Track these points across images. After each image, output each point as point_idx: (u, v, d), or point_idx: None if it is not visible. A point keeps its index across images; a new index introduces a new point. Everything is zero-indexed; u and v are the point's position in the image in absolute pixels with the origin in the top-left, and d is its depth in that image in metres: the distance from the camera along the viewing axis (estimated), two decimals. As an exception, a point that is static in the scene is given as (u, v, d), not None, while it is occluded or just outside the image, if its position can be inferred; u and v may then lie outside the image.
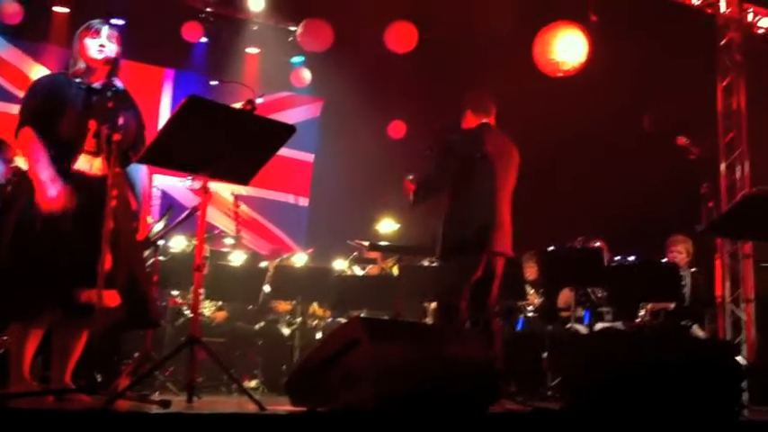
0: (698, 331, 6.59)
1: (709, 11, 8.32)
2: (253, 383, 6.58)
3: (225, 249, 7.37)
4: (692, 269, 6.75)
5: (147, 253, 5.50)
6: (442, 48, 8.82)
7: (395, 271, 6.93)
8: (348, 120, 9.13)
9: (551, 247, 6.69)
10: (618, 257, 6.86)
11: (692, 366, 3.98)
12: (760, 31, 8.41)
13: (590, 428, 3.46)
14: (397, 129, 9.46)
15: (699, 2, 8.32)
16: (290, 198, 9.90)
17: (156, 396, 4.59)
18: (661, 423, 3.55)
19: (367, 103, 8.79)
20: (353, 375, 3.39)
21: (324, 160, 9.73)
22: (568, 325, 6.63)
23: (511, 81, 8.14)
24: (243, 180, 4.04)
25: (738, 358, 6.41)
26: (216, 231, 7.89)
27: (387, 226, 7.87)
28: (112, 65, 3.77)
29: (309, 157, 9.88)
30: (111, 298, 3.55)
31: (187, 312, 6.43)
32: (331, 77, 9.14)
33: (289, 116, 9.27)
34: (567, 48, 8.03)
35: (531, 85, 8.25)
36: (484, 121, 4.93)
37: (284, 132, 3.80)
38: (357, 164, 8.84)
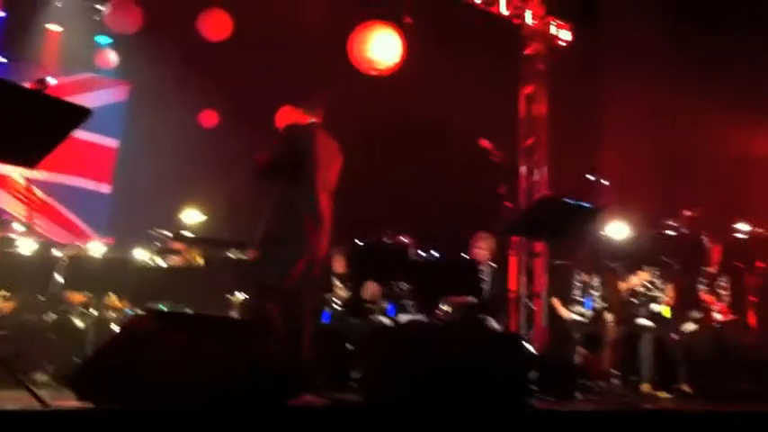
0: (494, 324, 6.90)
1: (516, 21, 8.73)
2: (42, 378, 6.17)
3: (14, 236, 6.86)
4: (493, 265, 7.06)
5: None
6: (258, 38, 8.69)
7: (200, 263, 6.74)
8: (157, 106, 8.79)
9: (359, 241, 6.76)
10: (423, 253, 7.05)
11: (486, 358, 4.15)
12: (561, 44, 8.90)
13: (389, 420, 3.49)
14: (208, 118, 9.22)
15: (507, 12, 8.69)
16: (91, 184, 9.36)
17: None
18: (456, 412, 3.65)
19: (178, 90, 8.51)
20: (144, 370, 3.24)
21: (129, 146, 9.30)
22: (373, 317, 6.73)
23: (325, 76, 8.16)
24: (29, 163, 3.76)
25: (530, 349, 6.78)
26: (5, 217, 7.33)
27: (192, 216, 7.63)
28: None
29: (113, 143, 9.40)
30: None
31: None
32: (140, 61, 8.78)
33: (91, 99, 8.78)
34: (381, 47, 8.15)
35: (346, 81, 8.30)
36: (313, 120, 5.06)
37: (78, 114, 3.58)
38: (165, 152, 8.51)
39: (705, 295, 6.86)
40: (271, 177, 4.94)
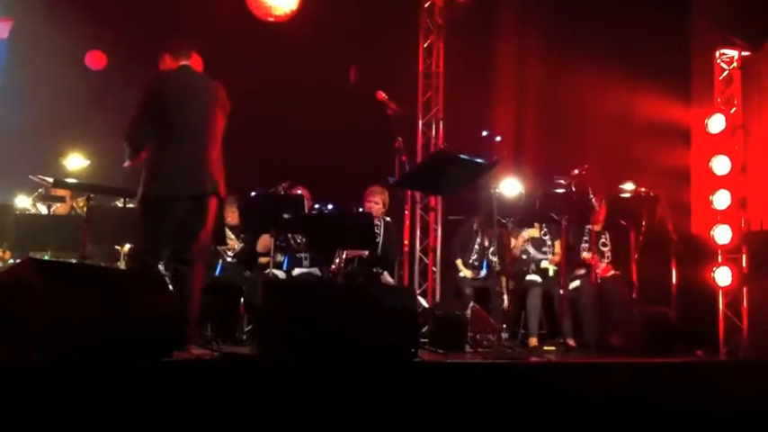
0: (388, 278, 6.96)
1: (415, -27, 8.65)
2: None
3: None
4: (387, 219, 7.09)
5: None
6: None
7: (84, 210, 6.49)
8: (41, 45, 8.31)
9: (253, 192, 6.65)
10: (318, 205, 7.01)
11: (376, 311, 4.17)
12: (460, -2, 8.85)
13: (277, 373, 3.47)
14: (95, 59, 8.79)
15: (408, -38, 8.60)
16: (-33, 125, 8.83)
17: None
18: (345, 365, 3.66)
19: (63, 29, 8.05)
20: (21, 322, 3.09)
21: (10, 86, 8.77)
22: (267, 270, 6.67)
23: (220, 21, 7.92)
24: None
25: (422, 302, 6.88)
26: None
27: (76, 162, 7.29)
28: None
29: (-7, 82, 8.87)
30: None
31: None
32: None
33: (-31, 35, 8.25)
34: (279, -8, 7.98)
35: (242, 27, 8.09)
36: (183, 63, 4.81)
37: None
38: (48, 93, 8.06)
39: (589, 252, 7.09)
40: (137, 136, 4.64)
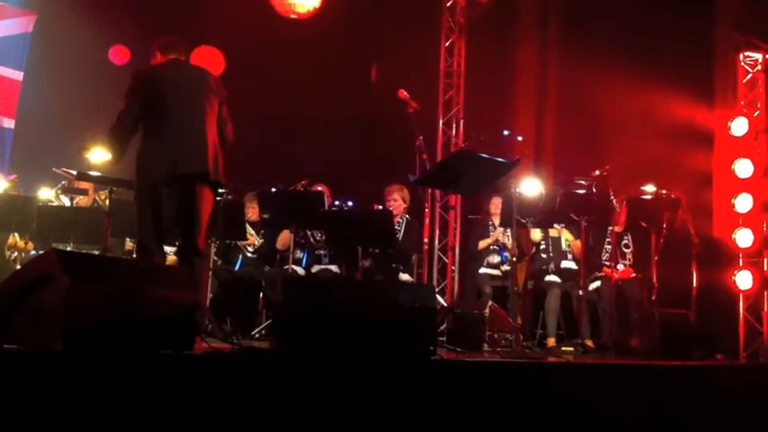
0: (406, 275, 6.96)
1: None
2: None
3: None
4: (407, 217, 7.09)
5: None
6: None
7: (107, 203, 6.53)
8: (64, 39, 8.37)
9: (273, 189, 6.68)
10: (337, 202, 7.03)
11: (394, 308, 4.17)
12: (482, -2, 8.83)
13: (294, 368, 3.48)
14: (119, 54, 8.84)
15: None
16: (-6, 118, 8.91)
17: None
18: (362, 362, 3.67)
19: (86, 23, 8.11)
20: (44, 312, 3.12)
21: (35, 80, 8.84)
22: (286, 266, 6.70)
23: (242, 17, 7.95)
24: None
25: (440, 301, 6.88)
26: None
27: (99, 155, 7.32)
28: None
29: (18, 75, 8.91)
30: None
31: None
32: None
33: (-5, 29, 8.33)
34: (301, -10, 8.00)
35: (264, 24, 8.11)
36: (173, 57, 4.84)
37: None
38: (72, 87, 8.13)
39: (610, 253, 7.05)
40: (123, 132, 4.71)
